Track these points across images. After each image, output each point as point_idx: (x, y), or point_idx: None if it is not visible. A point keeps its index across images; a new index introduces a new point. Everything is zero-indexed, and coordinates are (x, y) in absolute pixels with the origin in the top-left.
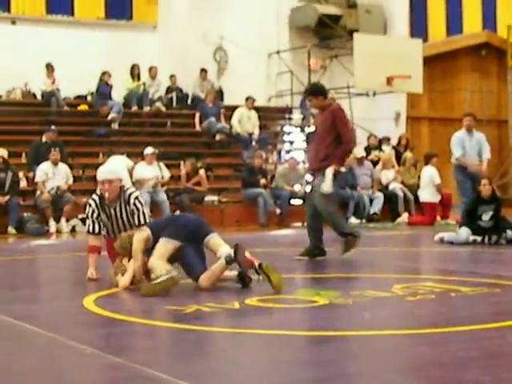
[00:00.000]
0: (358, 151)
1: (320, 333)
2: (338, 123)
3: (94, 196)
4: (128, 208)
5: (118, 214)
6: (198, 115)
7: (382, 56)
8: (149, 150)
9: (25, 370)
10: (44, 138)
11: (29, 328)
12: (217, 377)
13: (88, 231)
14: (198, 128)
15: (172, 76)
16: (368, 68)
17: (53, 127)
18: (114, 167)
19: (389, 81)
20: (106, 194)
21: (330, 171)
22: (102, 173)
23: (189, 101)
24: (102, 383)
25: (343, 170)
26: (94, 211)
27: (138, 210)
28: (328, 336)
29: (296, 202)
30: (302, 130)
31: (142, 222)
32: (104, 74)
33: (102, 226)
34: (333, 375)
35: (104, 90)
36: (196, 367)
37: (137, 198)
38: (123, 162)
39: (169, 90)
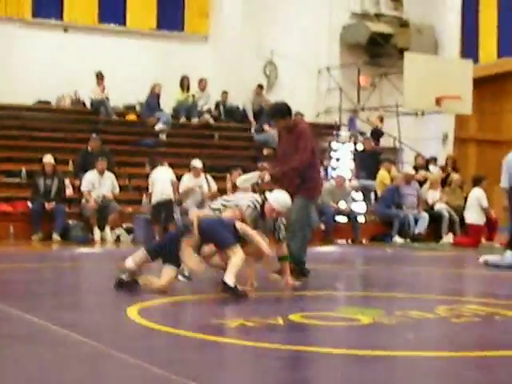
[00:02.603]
0: (407, 170)
1: (365, 352)
2: (300, 142)
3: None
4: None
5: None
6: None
7: (431, 76)
8: (196, 163)
9: (68, 379)
10: (89, 147)
11: (72, 336)
12: None
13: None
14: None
15: (224, 92)
16: (417, 87)
17: (94, 135)
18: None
19: (438, 101)
20: None
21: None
22: (284, 205)
23: (239, 114)
24: None
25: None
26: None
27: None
28: (373, 356)
29: (341, 218)
30: (355, 147)
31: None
32: (155, 85)
33: None
34: None
35: (153, 100)
36: (238, 381)
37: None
38: (170, 175)
39: (218, 104)
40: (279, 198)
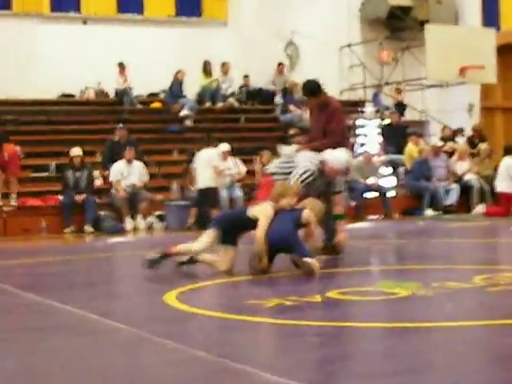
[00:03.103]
0: (435, 142)
1: (404, 324)
2: (332, 121)
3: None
4: None
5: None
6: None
7: (454, 47)
8: (224, 147)
9: (107, 365)
10: (116, 137)
11: (110, 323)
12: (302, 370)
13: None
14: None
15: (246, 76)
16: (440, 59)
17: (121, 125)
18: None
19: (462, 71)
20: None
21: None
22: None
23: (263, 96)
24: (187, 378)
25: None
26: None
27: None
28: (412, 327)
29: (370, 194)
30: (381, 122)
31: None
32: (178, 72)
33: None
34: (420, 367)
35: (177, 87)
36: (282, 360)
37: None
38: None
39: (241, 88)
40: (338, 157)
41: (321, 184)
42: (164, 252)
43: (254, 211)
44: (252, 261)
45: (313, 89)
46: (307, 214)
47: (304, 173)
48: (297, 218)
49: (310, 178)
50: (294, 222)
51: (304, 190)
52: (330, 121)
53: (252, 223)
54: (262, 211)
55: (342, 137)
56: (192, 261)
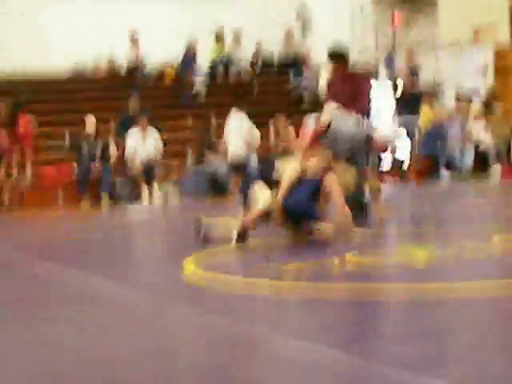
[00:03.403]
0: (450, 104)
1: (424, 285)
2: (358, 94)
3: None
4: None
5: None
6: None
7: (467, 7)
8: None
9: (127, 332)
10: (130, 106)
11: (129, 292)
12: (319, 332)
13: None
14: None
15: (258, 43)
16: (453, 19)
17: (134, 93)
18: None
19: (475, 33)
20: None
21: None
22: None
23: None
24: (205, 344)
25: None
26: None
27: None
28: (433, 289)
29: (387, 157)
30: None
31: None
32: (191, 42)
33: None
34: (442, 330)
35: (189, 57)
36: (299, 323)
37: None
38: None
39: (254, 55)
40: (388, 136)
41: (357, 148)
42: (241, 229)
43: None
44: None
45: (340, 56)
46: (328, 185)
47: (346, 126)
48: (316, 185)
49: (347, 134)
50: (312, 190)
51: (331, 145)
52: (358, 92)
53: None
54: (287, 169)
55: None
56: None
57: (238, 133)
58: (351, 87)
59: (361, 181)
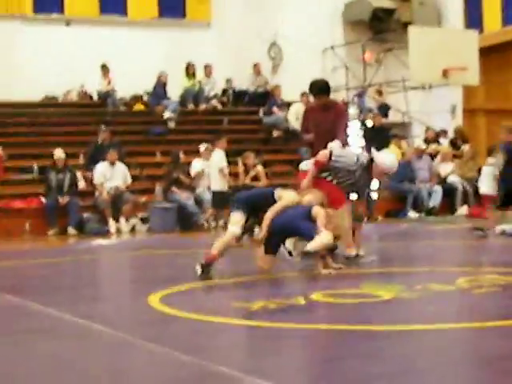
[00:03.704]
0: (418, 144)
1: (388, 327)
2: (341, 122)
3: (364, 162)
4: None
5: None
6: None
7: (437, 48)
8: (203, 146)
9: (90, 368)
10: (100, 139)
11: (94, 327)
12: (283, 372)
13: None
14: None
15: (228, 80)
16: (423, 60)
17: (103, 127)
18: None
19: (445, 73)
20: None
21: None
22: (392, 169)
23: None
24: (171, 381)
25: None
26: (356, 163)
27: None
28: (394, 330)
29: (354, 196)
30: (363, 124)
31: None
32: (161, 74)
33: None
34: (400, 370)
35: (160, 89)
36: (266, 364)
37: None
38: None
39: (225, 92)
40: (392, 161)
41: (359, 180)
42: (203, 263)
43: (279, 193)
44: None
45: (324, 87)
46: (316, 211)
47: (346, 157)
48: (307, 213)
49: (349, 166)
50: (302, 213)
51: (335, 178)
52: (339, 120)
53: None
54: (284, 196)
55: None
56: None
57: (219, 168)
58: (333, 117)
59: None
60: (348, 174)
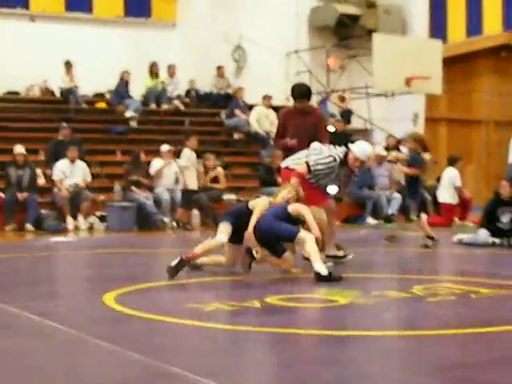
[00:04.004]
0: (378, 151)
1: (341, 333)
2: (322, 126)
3: (341, 156)
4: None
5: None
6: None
7: (401, 56)
8: (165, 148)
9: (43, 366)
10: (60, 136)
11: (49, 324)
12: (236, 375)
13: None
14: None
15: (191, 80)
16: (387, 68)
17: (64, 124)
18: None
19: (408, 81)
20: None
21: None
22: (367, 155)
23: (210, 100)
24: (124, 381)
25: None
26: (333, 165)
27: None
28: (349, 336)
29: None
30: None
31: None
32: (124, 72)
33: None
34: (354, 375)
35: (122, 88)
36: (216, 365)
37: None
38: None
39: (188, 93)
40: (362, 147)
41: (337, 178)
42: (183, 258)
43: (252, 203)
44: (243, 258)
45: (305, 92)
46: (294, 207)
47: (324, 158)
48: (282, 209)
49: (328, 167)
50: (277, 212)
51: (316, 180)
52: (320, 125)
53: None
54: (257, 204)
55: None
56: (196, 267)
57: (191, 168)
58: (314, 121)
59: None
60: (330, 172)
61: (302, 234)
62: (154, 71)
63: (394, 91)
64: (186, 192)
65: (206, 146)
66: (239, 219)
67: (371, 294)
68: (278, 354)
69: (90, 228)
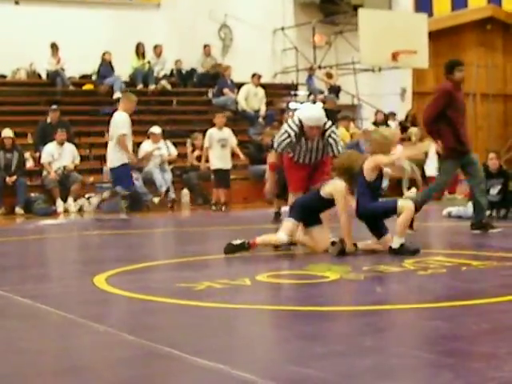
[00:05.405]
0: (366, 127)
1: (332, 308)
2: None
3: (295, 128)
4: (324, 141)
5: (315, 146)
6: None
7: (387, 31)
8: (155, 130)
9: (35, 348)
10: (49, 119)
11: (39, 307)
12: (230, 353)
13: (275, 149)
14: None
15: (177, 61)
16: (373, 43)
17: (54, 106)
18: (323, 114)
19: (394, 56)
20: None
21: None
22: (315, 120)
23: (195, 78)
24: (117, 361)
25: None
26: (290, 140)
27: (334, 141)
28: (341, 311)
29: None
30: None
31: (337, 152)
32: (105, 53)
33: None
34: (348, 349)
35: (105, 68)
36: (209, 343)
37: (333, 131)
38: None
39: (173, 73)
40: (309, 114)
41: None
42: (246, 242)
43: (327, 189)
44: (335, 243)
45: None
46: (329, 189)
47: (280, 136)
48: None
49: (287, 140)
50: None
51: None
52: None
53: (328, 202)
54: (336, 189)
55: None
56: (290, 243)
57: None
58: None
59: None
60: (298, 148)
61: (402, 202)
62: (140, 52)
63: (381, 66)
64: (219, 171)
65: (193, 125)
66: (308, 210)
67: (362, 268)
68: (269, 330)
69: (80, 210)
